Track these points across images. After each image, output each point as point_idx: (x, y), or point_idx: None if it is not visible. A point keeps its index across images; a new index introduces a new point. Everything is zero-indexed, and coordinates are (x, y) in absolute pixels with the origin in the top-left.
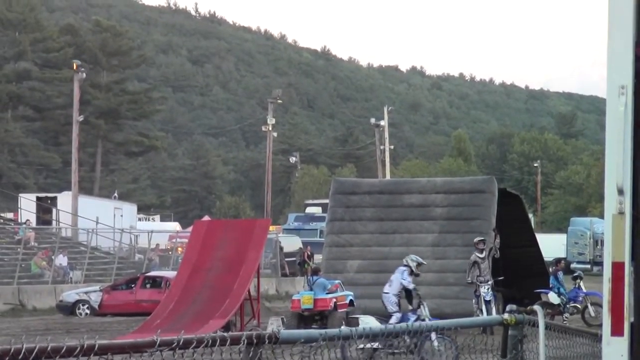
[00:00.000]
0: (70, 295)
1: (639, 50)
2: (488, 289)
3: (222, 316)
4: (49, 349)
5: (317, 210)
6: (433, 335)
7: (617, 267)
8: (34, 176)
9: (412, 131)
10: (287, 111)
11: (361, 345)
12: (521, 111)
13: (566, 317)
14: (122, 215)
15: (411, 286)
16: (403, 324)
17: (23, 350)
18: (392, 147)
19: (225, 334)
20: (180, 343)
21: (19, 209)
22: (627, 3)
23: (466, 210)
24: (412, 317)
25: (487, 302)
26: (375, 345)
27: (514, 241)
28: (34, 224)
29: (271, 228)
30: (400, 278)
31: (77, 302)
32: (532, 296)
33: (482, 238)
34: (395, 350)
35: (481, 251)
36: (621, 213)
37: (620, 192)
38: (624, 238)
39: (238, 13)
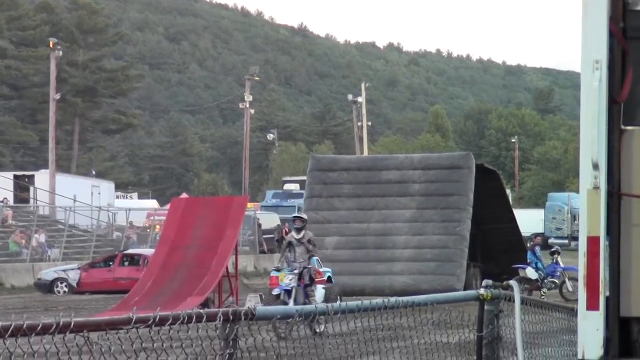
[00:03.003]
0: (48, 273)
1: (613, 26)
2: (292, 278)
3: (200, 293)
4: (24, 326)
5: (295, 187)
6: None
7: (593, 242)
8: (11, 154)
9: (390, 107)
10: (265, 88)
11: None
12: (498, 87)
13: (544, 292)
14: (99, 193)
15: None
16: (379, 301)
17: None
18: (369, 123)
19: (202, 310)
20: (156, 320)
21: None
22: None
23: (444, 186)
24: None
25: (287, 292)
26: None
27: (491, 217)
28: (11, 202)
29: (249, 205)
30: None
31: (55, 280)
32: (510, 271)
33: (301, 215)
34: None
35: (298, 231)
36: (596, 188)
37: (595, 167)
38: (599, 213)
39: None
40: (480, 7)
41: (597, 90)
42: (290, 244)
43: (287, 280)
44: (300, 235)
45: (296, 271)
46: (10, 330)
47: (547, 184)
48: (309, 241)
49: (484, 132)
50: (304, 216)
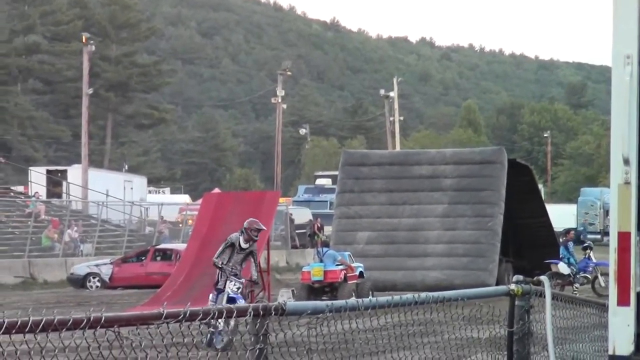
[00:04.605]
0: (80, 268)
1: None
2: (238, 287)
3: None
4: (55, 321)
5: (327, 182)
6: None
7: (623, 237)
8: (44, 149)
9: (422, 102)
10: (297, 83)
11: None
12: (531, 81)
13: (576, 288)
14: (132, 188)
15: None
16: (409, 296)
17: (30, 323)
18: (401, 118)
19: (232, 305)
20: (187, 315)
21: (29, 182)
22: None
23: (476, 181)
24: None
25: (232, 300)
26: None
27: (524, 212)
28: (44, 197)
29: (281, 200)
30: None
31: (88, 275)
32: (542, 267)
33: (261, 227)
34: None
35: (249, 242)
36: (627, 183)
37: (626, 162)
38: (630, 208)
39: None
40: (513, 1)
41: (629, 84)
42: (232, 246)
43: (235, 288)
44: (247, 246)
45: (242, 280)
46: (42, 325)
47: (580, 179)
48: (251, 252)
49: (517, 127)
50: (263, 228)
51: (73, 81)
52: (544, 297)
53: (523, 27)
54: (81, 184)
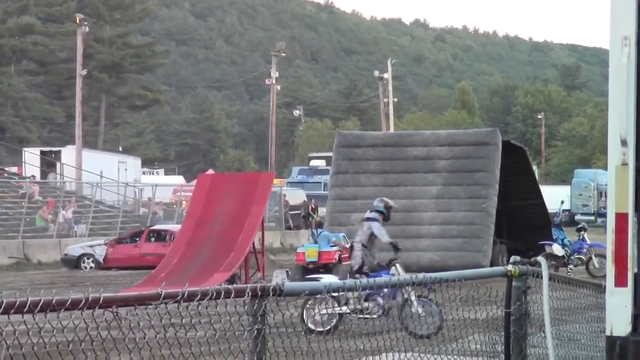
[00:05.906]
0: (75, 249)
1: None
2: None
3: (226, 269)
4: (53, 302)
5: (321, 164)
6: (413, 297)
7: (621, 218)
8: (38, 130)
9: (416, 84)
10: (291, 64)
11: (325, 311)
12: (525, 63)
13: (570, 269)
14: (126, 169)
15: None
16: (407, 277)
17: (28, 303)
18: (395, 99)
19: (230, 286)
20: (185, 296)
21: (23, 163)
22: None
23: (470, 162)
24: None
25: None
26: (342, 310)
27: (517, 193)
28: (38, 178)
29: (275, 181)
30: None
31: (82, 255)
32: (536, 248)
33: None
34: (367, 315)
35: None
36: (624, 164)
37: (624, 143)
38: (627, 189)
39: None
40: None
41: (626, 66)
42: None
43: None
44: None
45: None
46: (40, 305)
47: (574, 160)
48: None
49: (511, 109)
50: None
51: (67, 62)
52: (541, 278)
53: (517, 8)
54: (75, 165)
